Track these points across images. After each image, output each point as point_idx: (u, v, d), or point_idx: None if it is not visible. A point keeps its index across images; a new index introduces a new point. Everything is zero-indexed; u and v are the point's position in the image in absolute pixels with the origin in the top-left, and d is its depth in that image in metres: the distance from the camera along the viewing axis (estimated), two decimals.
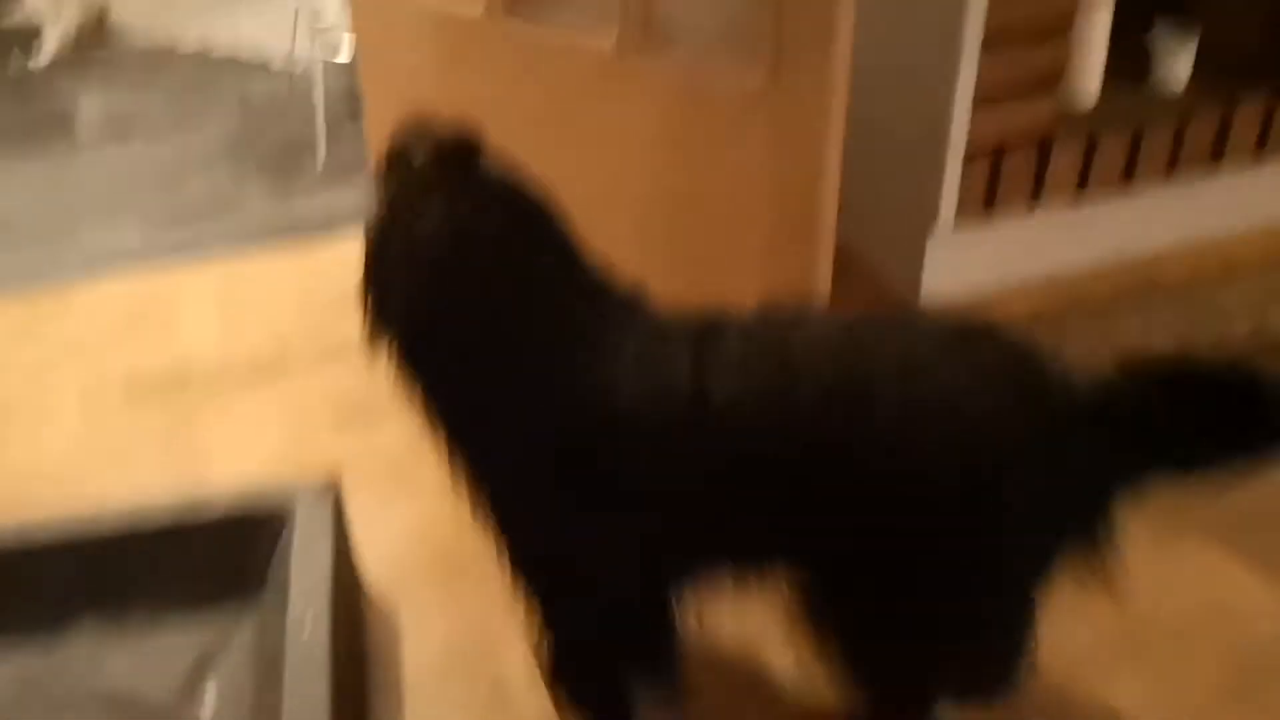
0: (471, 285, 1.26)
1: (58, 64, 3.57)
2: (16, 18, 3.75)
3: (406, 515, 1.80)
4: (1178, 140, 2.15)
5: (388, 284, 1.27)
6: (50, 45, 3.60)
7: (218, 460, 1.96)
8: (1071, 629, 1.62)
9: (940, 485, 1.19)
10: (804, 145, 1.80)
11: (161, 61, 3.30)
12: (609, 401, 1.23)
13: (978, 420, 1.19)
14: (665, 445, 1.23)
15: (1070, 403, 1.21)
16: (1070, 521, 1.24)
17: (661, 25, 1.87)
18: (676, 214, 1.99)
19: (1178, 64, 2.17)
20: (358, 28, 2.32)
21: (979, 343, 1.25)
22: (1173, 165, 2.17)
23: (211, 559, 1.57)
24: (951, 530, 1.21)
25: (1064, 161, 2.09)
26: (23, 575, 1.54)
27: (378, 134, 2.25)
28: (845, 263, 2.10)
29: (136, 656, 1.52)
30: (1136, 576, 1.68)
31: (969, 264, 2.17)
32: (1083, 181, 2.13)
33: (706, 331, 1.27)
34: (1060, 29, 1.99)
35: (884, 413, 1.19)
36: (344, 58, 3.04)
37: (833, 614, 1.33)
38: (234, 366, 2.16)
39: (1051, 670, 1.56)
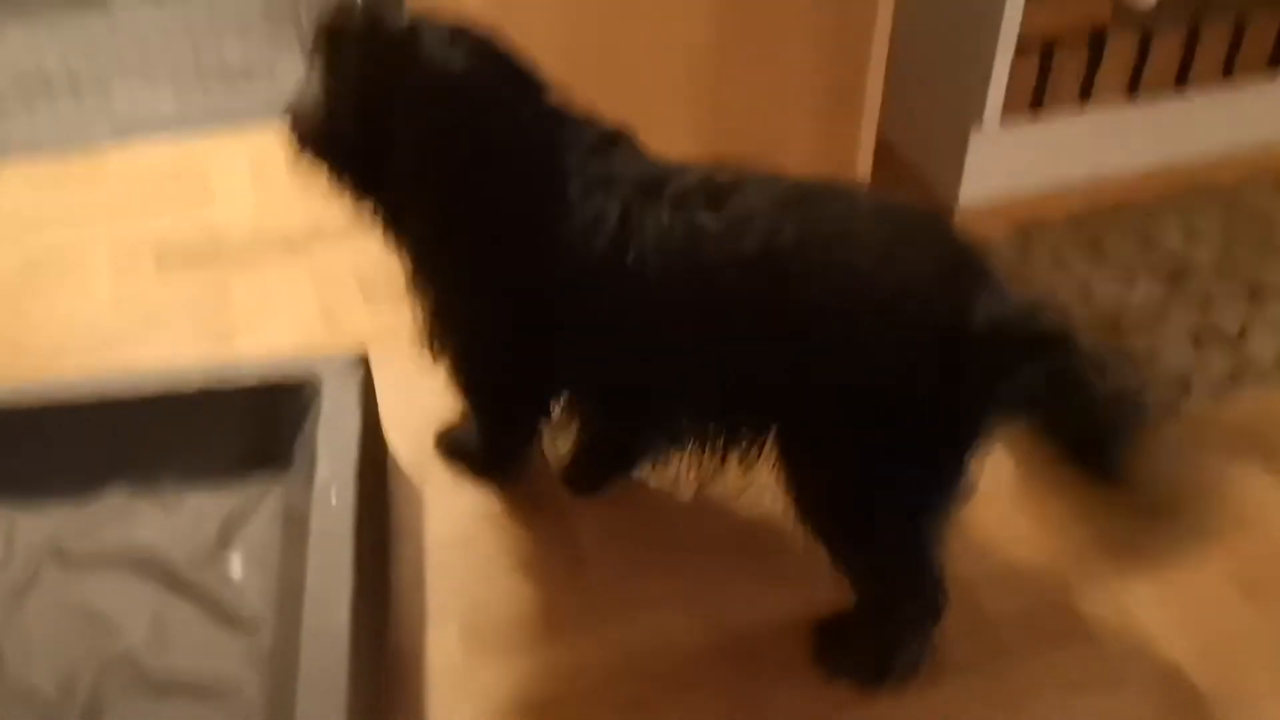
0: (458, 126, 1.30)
1: None
2: None
3: (435, 390, 1.81)
4: (1236, 41, 2.08)
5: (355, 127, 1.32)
6: None
7: (247, 330, 1.97)
8: (1085, 532, 1.64)
9: (851, 357, 1.22)
10: (852, 29, 1.76)
11: None
12: (549, 236, 1.31)
13: (896, 296, 1.20)
14: (591, 288, 1.30)
15: (989, 306, 1.20)
16: (959, 419, 1.25)
17: None
18: (724, 82, 1.94)
19: None
20: None
21: (916, 225, 1.27)
22: (1229, 67, 2.11)
23: (241, 426, 1.59)
24: (858, 405, 1.24)
25: (1117, 59, 2.03)
26: (53, 434, 1.56)
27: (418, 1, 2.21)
28: (887, 158, 2.07)
29: (165, 519, 1.55)
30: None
31: (1012, 163, 2.13)
32: (1135, 81, 2.07)
33: (656, 180, 1.30)
34: None
35: (799, 278, 1.21)
36: None
37: (783, 476, 1.37)
38: (266, 237, 2.16)
39: (1059, 569, 1.58)
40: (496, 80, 1.33)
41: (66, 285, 2.05)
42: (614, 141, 1.37)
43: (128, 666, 1.38)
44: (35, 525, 1.53)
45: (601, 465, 1.69)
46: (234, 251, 2.14)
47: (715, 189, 1.28)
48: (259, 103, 2.49)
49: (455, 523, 1.63)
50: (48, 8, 2.81)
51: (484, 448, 1.69)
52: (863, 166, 1.87)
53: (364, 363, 1.62)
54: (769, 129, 1.93)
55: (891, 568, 1.40)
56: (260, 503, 1.58)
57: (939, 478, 1.32)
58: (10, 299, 2.01)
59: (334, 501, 1.41)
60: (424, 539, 1.61)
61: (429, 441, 1.73)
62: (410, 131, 1.31)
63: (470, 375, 1.54)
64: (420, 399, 1.80)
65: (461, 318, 1.47)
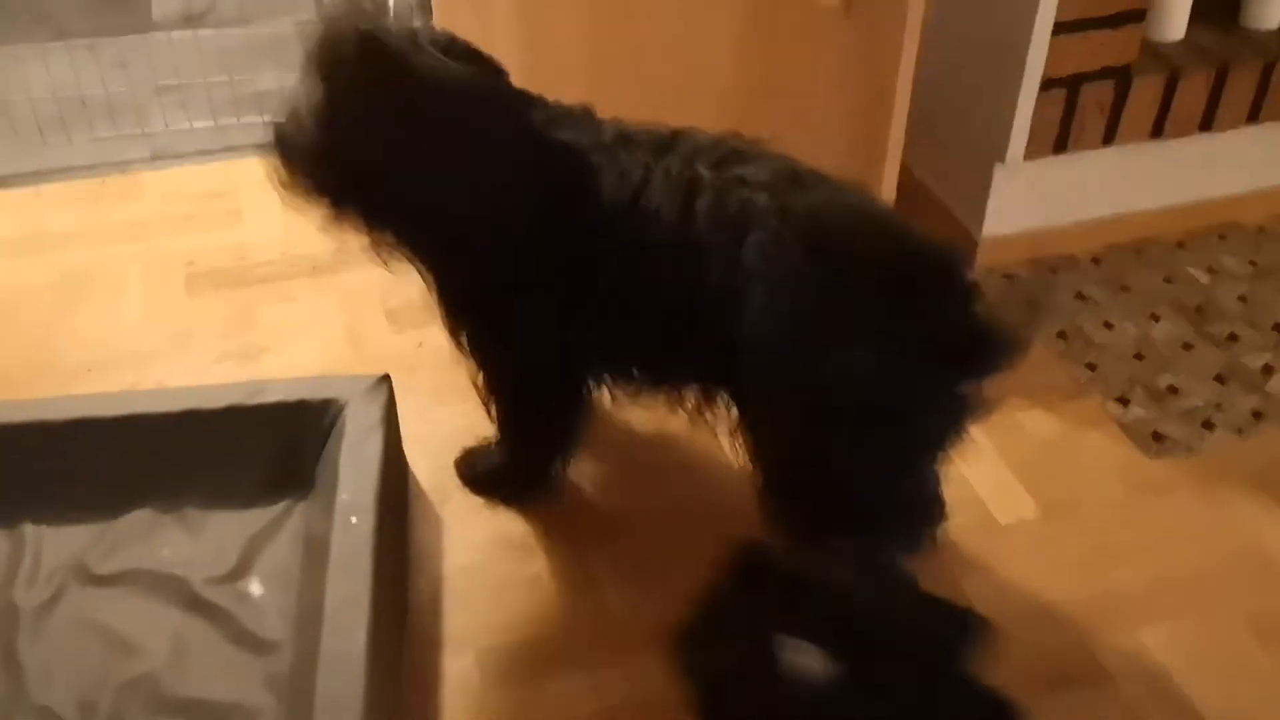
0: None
1: None
2: None
3: (455, 415, 1.83)
4: (1264, 82, 2.08)
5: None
6: None
7: (274, 351, 1.99)
8: (1106, 571, 1.63)
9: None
10: (877, 63, 1.76)
11: None
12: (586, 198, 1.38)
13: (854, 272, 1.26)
14: (624, 233, 1.38)
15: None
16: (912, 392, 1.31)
17: None
18: (749, 115, 1.95)
19: (1269, 1, 2.09)
20: None
21: (886, 220, 1.37)
22: (1257, 107, 2.11)
23: (264, 445, 1.60)
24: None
25: (1143, 97, 2.03)
26: (80, 451, 1.58)
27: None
28: (911, 190, 2.07)
29: (188, 540, 1.56)
30: (1175, 523, 1.71)
31: (1036, 199, 2.14)
32: (1161, 119, 2.07)
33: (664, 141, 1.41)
34: None
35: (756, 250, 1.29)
36: None
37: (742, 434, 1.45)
38: (294, 260, 2.18)
39: (1087, 614, 1.58)
40: (489, 78, 1.39)
41: (98, 303, 2.08)
42: (587, 114, 1.47)
43: (147, 687, 1.39)
44: (61, 543, 1.55)
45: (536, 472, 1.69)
46: (262, 273, 2.17)
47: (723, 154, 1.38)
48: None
49: (473, 547, 1.64)
50: (87, 33, 2.86)
51: (512, 466, 1.69)
52: (885, 198, 1.88)
53: (387, 385, 1.63)
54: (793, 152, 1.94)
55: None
56: (282, 524, 1.59)
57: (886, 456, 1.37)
58: (42, 316, 2.05)
59: (354, 523, 1.42)
60: (442, 563, 1.62)
61: (449, 465, 1.74)
62: (418, 137, 1.32)
63: (507, 370, 1.58)
64: (442, 422, 1.81)
65: (495, 304, 1.49)
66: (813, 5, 1.77)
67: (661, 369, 1.51)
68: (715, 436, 1.54)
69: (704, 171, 1.36)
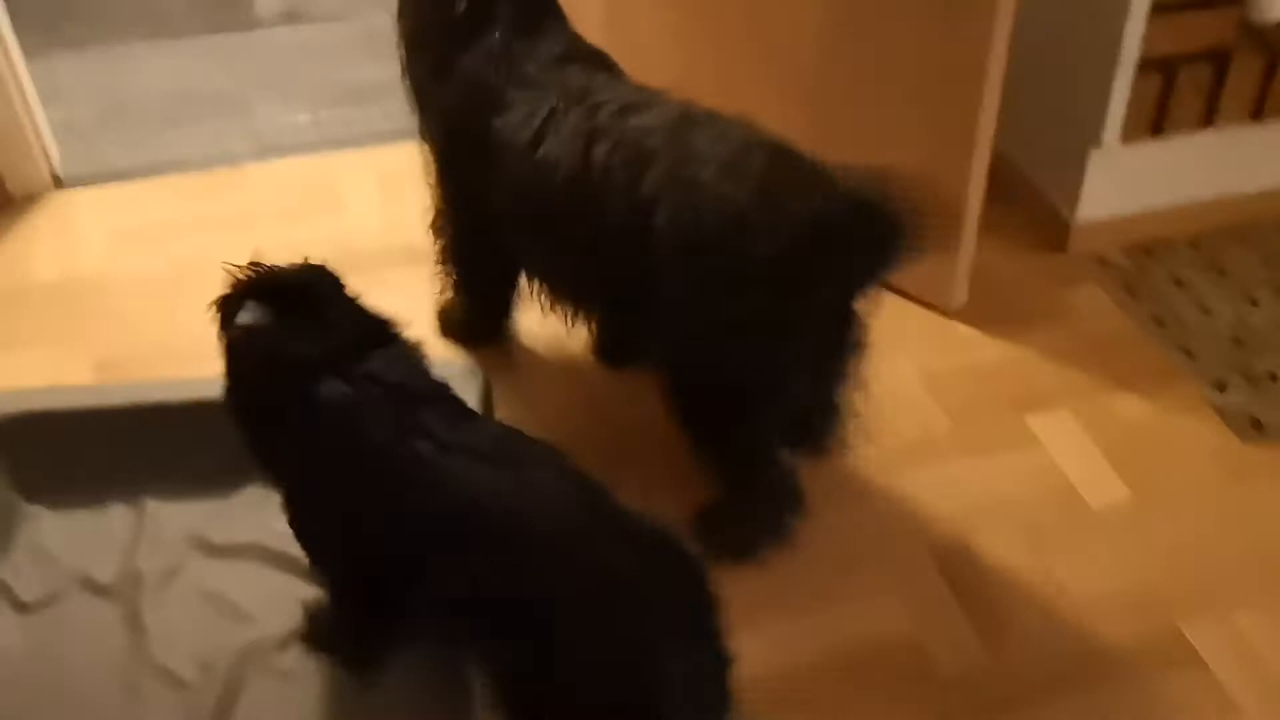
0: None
1: None
2: None
3: (547, 400, 1.88)
4: None
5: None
6: None
7: None
8: (1198, 556, 1.62)
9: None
10: (966, 46, 1.76)
11: None
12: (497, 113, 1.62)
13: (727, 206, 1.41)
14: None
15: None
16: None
17: None
18: (829, 100, 1.97)
19: None
20: None
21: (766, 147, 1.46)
22: None
23: None
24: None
25: (1242, 78, 2.00)
26: (197, 430, 1.65)
27: None
28: (1004, 172, 2.07)
29: None
30: (1271, 508, 1.69)
31: (1131, 182, 2.11)
32: (1261, 101, 2.03)
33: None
34: None
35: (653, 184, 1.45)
36: None
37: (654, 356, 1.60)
38: (393, 249, 2.24)
39: (1179, 598, 1.57)
40: None
41: (208, 291, 2.16)
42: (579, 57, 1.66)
43: (262, 653, 1.46)
44: (180, 517, 1.63)
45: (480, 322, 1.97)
46: (362, 261, 2.23)
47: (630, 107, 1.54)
48: (388, 122, 2.59)
49: None
50: (195, 31, 2.96)
51: (467, 313, 1.97)
52: (977, 179, 1.88)
53: (483, 371, 1.68)
54: (881, 134, 1.94)
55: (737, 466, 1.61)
56: None
57: (769, 379, 1.49)
58: (160, 302, 2.14)
59: None
60: None
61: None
62: None
63: (451, 248, 1.89)
64: (534, 407, 1.85)
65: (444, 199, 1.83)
66: None
67: (571, 283, 1.70)
68: None
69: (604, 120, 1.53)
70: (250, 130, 2.62)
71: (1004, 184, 2.10)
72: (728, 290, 1.43)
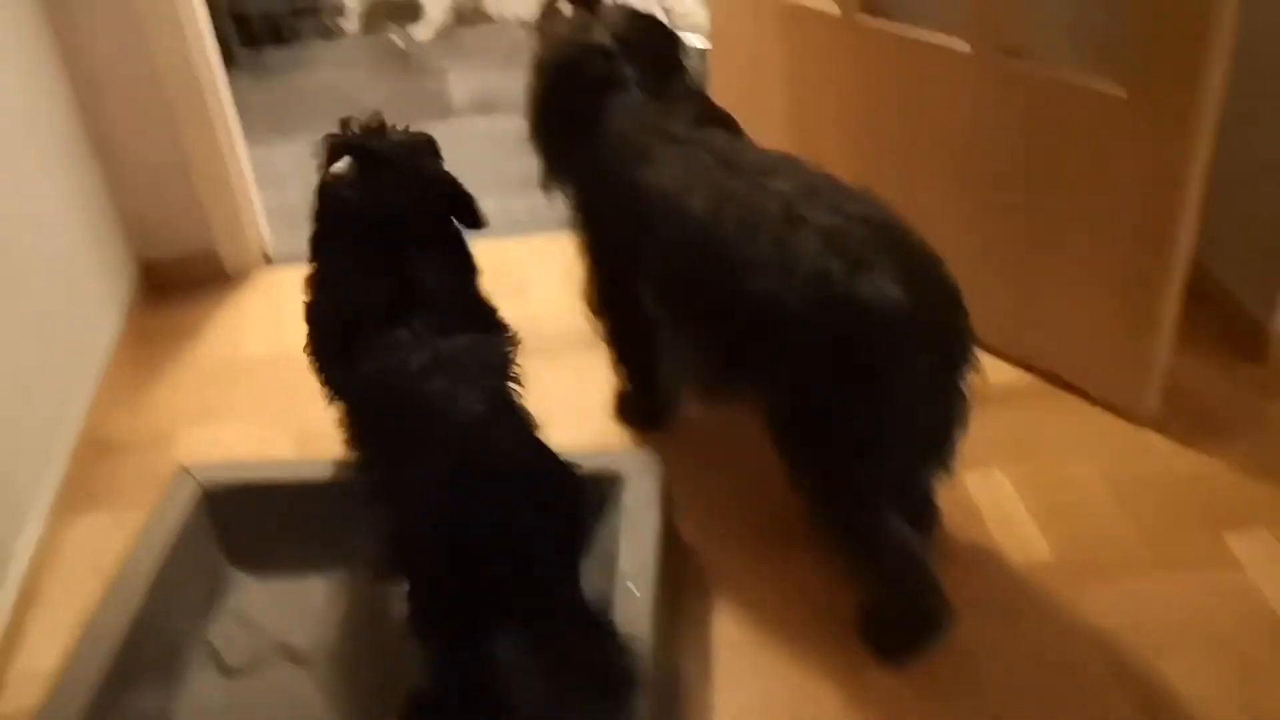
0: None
1: (438, 38, 3.91)
2: None
3: (722, 485, 1.89)
4: None
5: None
6: (433, 21, 3.94)
7: (552, 420, 2.11)
8: None
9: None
10: (1164, 160, 1.74)
11: (528, 39, 3.52)
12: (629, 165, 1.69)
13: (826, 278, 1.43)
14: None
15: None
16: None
17: (1020, 28, 1.85)
18: (1024, 213, 1.96)
19: None
20: (714, 15, 2.42)
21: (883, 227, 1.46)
22: None
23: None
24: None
25: None
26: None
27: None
28: (1201, 281, 2.01)
29: None
30: None
31: None
32: None
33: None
34: None
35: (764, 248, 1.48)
36: (699, 43, 3.15)
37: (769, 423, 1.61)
38: (575, 333, 2.30)
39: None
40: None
41: None
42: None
43: None
44: (370, 590, 1.69)
45: (648, 406, 2.01)
46: (545, 344, 2.31)
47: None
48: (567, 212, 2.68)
49: (742, 621, 1.69)
50: (398, 119, 3.13)
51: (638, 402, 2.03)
52: (1174, 286, 1.84)
53: (662, 460, 1.71)
54: (1069, 256, 1.93)
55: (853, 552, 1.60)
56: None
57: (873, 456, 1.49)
58: None
59: (633, 593, 1.50)
60: (712, 635, 1.68)
61: (720, 535, 1.80)
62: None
63: (609, 325, 1.96)
64: (709, 493, 1.87)
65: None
66: (1097, 95, 1.77)
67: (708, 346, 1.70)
68: None
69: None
70: None
71: (1201, 292, 2.03)
72: (815, 360, 1.46)
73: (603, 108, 1.75)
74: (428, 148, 1.67)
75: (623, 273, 1.81)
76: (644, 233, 1.68)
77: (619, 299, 1.90)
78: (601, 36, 1.76)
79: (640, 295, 1.79)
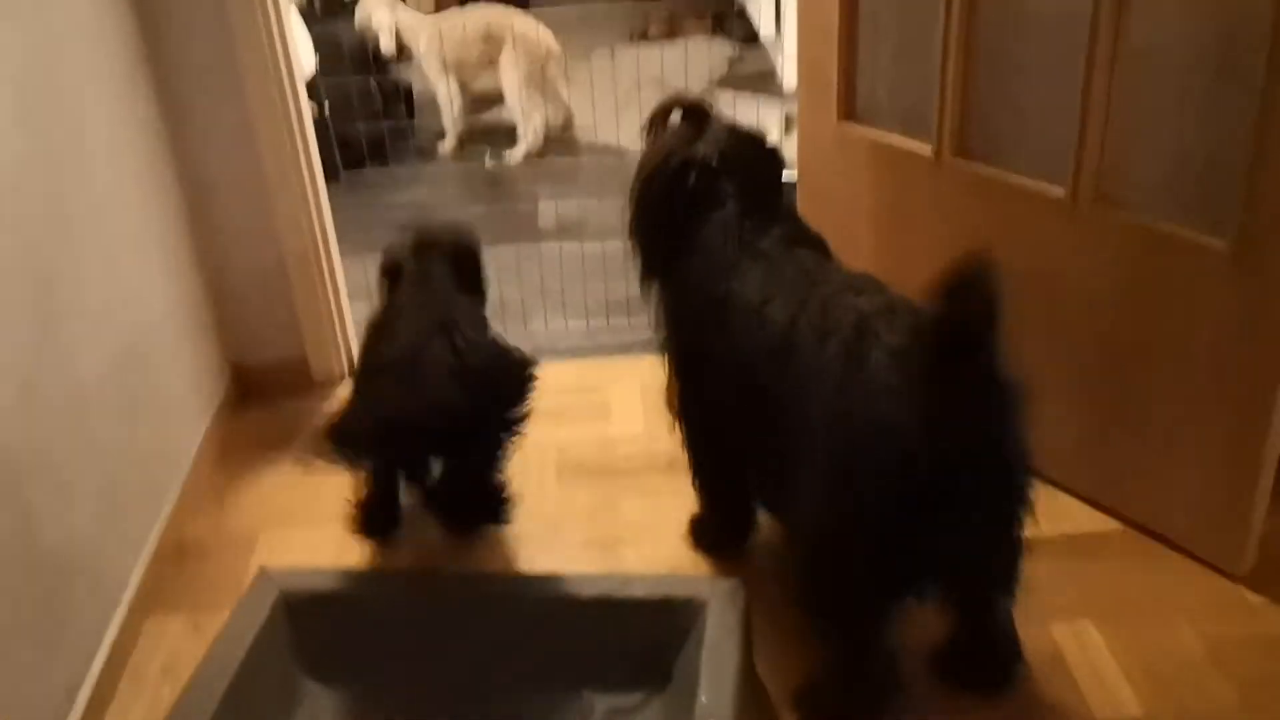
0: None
1: (528, 163, 4.03)
2: (497, 117, 4.28)
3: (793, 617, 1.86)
4: None
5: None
6: (522, 146, 4.06)
7: (631, 542, 2.10)
8: None
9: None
10: (1265, 316, 1.71)
11: (615, 167, 3.62)
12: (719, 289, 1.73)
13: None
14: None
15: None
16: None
17: (1118, 176, 1.85)
18: (1118, 362, 1.95)
19: None
20: (802, 149, 2.46)
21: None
22: None
23: (628, 636, 1.69)
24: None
25: None
26: (458, 625, 1.73)
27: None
28: None
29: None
30: None
31: None
32: None
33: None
34: None
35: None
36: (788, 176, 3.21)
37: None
38: (654, 455, 2.31)
39: None
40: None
41: None
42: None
43: None
44: (443, 709, 1.68)
45: (722, 529, 2.03)
46: (624, 466, 2.32)
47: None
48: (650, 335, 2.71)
49: None
50: (488, 240, 3.22)
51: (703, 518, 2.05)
52: (1273, 443, 1.79)
53: (744, 588, 1.69)
54: (1158, 423, 1.90)
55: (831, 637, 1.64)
56: (639, 714, 1.66)
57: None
58: None
59: None
60: None
61: (792, 669, 1.76)
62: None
63: (690, 448, 1.98)
64: (784, 628, 1.83)
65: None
66: (1195, 246, 1.76)
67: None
68: None
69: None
70: (528, 335, 2.79)
71: None
72: (862, 476, 1.47)
73: (699, 220, 1.79)
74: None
75: (703, 383, 1.85)
76: (724, 341, 1.71)
77: (699, 411, 1.92)
78: (705, 150, 1.80)
79: (724, 430, 1.81)
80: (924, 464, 1.40)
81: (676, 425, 1.98)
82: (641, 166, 1.90)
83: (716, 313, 1.72)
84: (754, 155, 1.85)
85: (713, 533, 2.04)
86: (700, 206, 1.80)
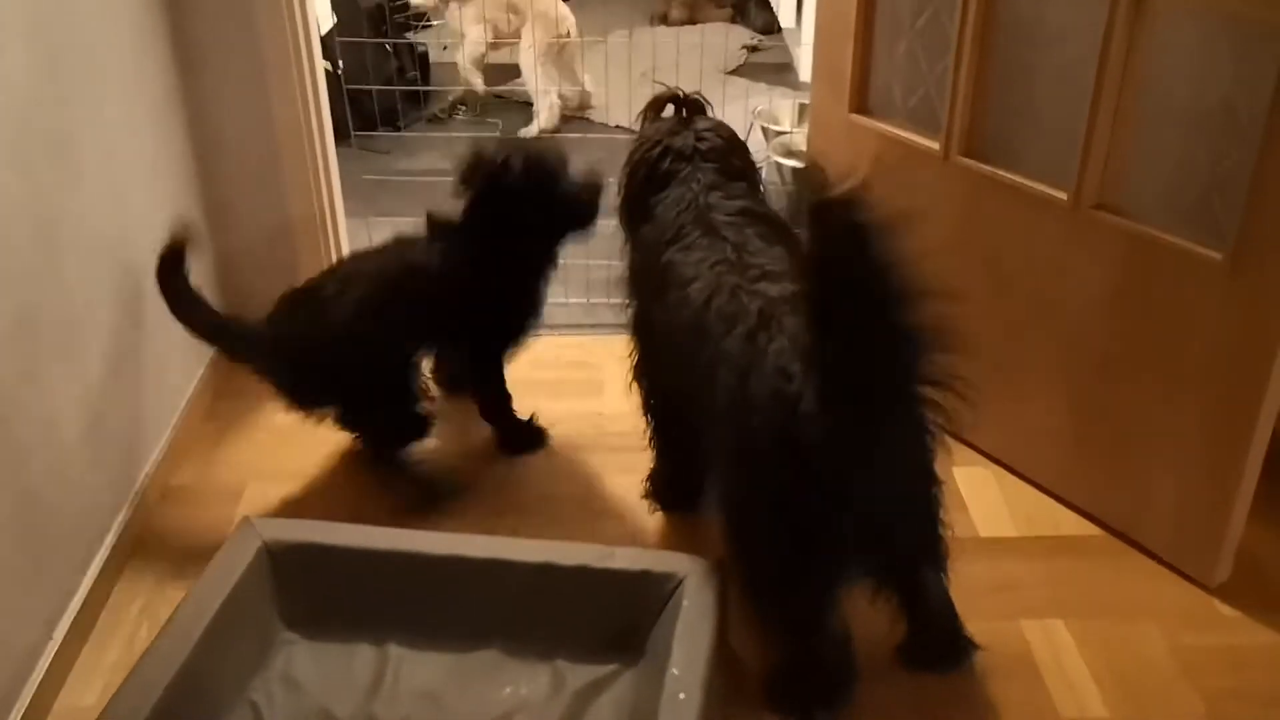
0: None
1: (541, 136, 4.03)
2: (515, 88, 4.29)
3: None
4: None
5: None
6: (536, 122, 4.06)
7: (615, 517, 2.12)
8: None
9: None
10: (1256, 327, 1.72)
11: (623, 146, 3.61)
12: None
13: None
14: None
15: None
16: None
17: (1120, 182, 1.86)
18: (1108, 368, 1.96)
19: None
20: (812, 138, 2.47)
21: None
22: None
23: (605, 607, 1.71)
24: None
25: None
26: (446, 584, 1.74)
27: None
28: (1278, 452, 1.97)
29: (526, 683, 1.68)
30: None
31: None
32: None
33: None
34: None
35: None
36: (794, 162, 3.22)
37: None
38: (640, 432, 2.32)
39: None
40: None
41: (475, 464, 2.29)
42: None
43: None
44: (419, 668, 1.70)
45: (671, 487, 2.10)
46: (614, 443, 2.33)
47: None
48: None
49: None
50: None
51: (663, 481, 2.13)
52: (1254, 455, 1.81)
53: (722, 568, 1.70)
54: (1148, 425, 1.91)
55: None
56: (608, 685, 1.67)
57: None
58: None
59: (681, 699, 1.48)
60: None
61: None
62: None
63: (643, 401, 2.06)
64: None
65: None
66: (1192, 255, 1.77)
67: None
68: None
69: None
70: None
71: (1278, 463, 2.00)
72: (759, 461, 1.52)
73: (664, 197, 1.87)
74: None
75: (649, 348, 1.96)
76: (661, 311, 1.78)
77: (648, 375, 2.01)
78: (685, 140, 1.89)
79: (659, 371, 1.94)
80: (814, 436, 1.43)
81: (634, 386, 2.05)
82: (628, 155, 1.98)
83: (659, 280, 1.79)
84: (729, 146, 1.92)
85: (663, 490, 2.13)
86: (670, 186, 1.88)
